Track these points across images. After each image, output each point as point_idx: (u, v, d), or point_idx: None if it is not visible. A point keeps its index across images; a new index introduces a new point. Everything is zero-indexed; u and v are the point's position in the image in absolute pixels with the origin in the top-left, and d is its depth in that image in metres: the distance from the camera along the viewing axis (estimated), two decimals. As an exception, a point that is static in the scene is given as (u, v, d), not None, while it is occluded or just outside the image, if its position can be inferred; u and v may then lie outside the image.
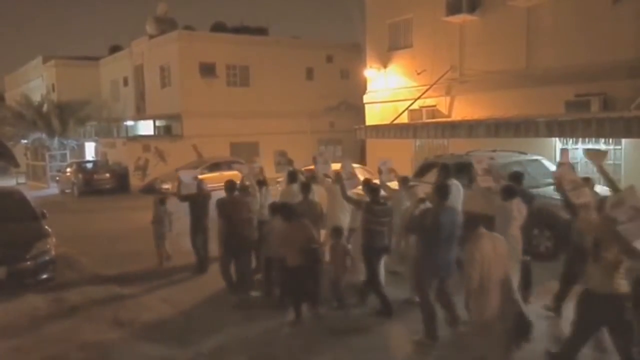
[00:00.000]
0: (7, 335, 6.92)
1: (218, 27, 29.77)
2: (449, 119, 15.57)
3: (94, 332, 6.91)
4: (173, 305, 7.88)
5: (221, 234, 7.95)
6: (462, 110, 16.01)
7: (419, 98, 16.79)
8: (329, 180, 8.95)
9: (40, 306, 7.99)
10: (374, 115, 19.38)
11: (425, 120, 16.50)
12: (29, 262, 8.42)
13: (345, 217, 8.38)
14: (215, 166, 19.89)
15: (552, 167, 10.20)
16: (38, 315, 7.61)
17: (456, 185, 7.94)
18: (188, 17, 58.38)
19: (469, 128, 12.01)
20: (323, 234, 8.24)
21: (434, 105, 16.98)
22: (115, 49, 33.80)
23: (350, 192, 8.23)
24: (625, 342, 4.91)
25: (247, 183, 9.24)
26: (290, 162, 10.21)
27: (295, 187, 8.68)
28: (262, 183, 9.23)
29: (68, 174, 23.40)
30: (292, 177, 9.13)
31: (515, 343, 5.22)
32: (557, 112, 11.84)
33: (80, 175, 22.54)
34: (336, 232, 7.50)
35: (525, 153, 11.09)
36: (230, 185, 8.10)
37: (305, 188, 8.17)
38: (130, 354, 6.34)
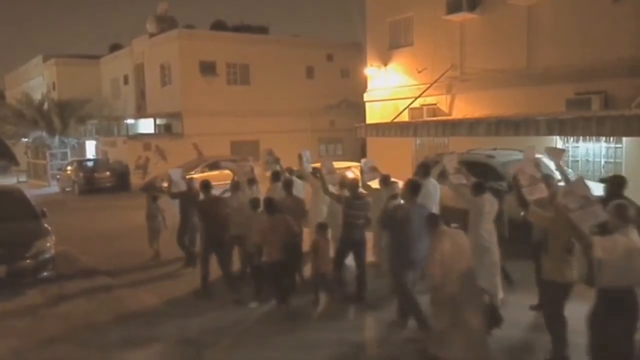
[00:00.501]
0: (7, 334, 6.95)
1: (218, 26, 29.77)
2: (449, 117, 15.54)
3: (94, 330, 6.97)
4: (169, 298, 8.08)
5: (203, 232, 8.31)
6: (463, 108, 15.99)
7: (419, 96, 16.77)
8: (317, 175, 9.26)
9: (40, 303, 8.04)
10: (374, 114, 19.36)
11: (425, 118, 16.47)
12: (28, 261, 8.46)
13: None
14: (214, 165, 19.81)
15: (552, 166, 10.17)
16: (38, 313, 7.65)
17: (433, 184, 8.11)
18: (188, 16, 58.47)
19: (469, 126, 11.99)
20: (306, 232, 8.55)
21: (435, 104, 16.96)
22: (115, 47, 33.81)
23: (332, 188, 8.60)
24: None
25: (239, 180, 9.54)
26: (277, 160, 10.40)
27: (280, 185, 8.96)
28: (252, 181, 9.62)
29: (69, 172, 23.43)
30: (276, 176, 9.48)
31: (487, 330, 5.46)
32: (558, 111, 11.81)
33: (80, 174, 22.57)
34: (321, 227, 7.73)
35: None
36: (204, 184, 8.40)
37: (287, 185, 8.46)
38: (127, 343, 6.49)
